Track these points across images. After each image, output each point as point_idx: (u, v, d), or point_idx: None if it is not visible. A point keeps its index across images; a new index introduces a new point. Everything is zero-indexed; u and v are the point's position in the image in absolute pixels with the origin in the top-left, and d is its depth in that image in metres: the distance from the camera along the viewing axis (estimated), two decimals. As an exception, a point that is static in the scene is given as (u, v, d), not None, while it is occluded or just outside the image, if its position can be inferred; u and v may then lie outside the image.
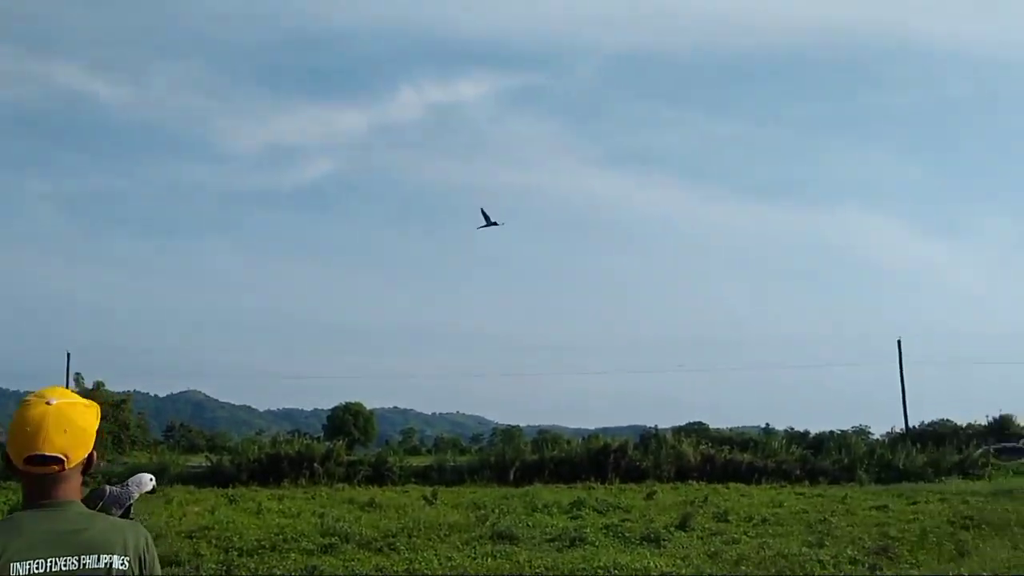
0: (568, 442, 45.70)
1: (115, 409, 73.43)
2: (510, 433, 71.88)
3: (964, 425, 76.78)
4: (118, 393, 76.52)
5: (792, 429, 73.07)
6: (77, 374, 70.29)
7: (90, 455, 2.70)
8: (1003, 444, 60.20)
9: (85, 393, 72.01)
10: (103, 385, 74.21)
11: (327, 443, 40.93)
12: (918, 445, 44.87)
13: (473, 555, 14.42)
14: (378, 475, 36.78)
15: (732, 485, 34.29)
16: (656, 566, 12.81)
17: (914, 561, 14.10)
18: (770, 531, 18.53)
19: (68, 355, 63.36)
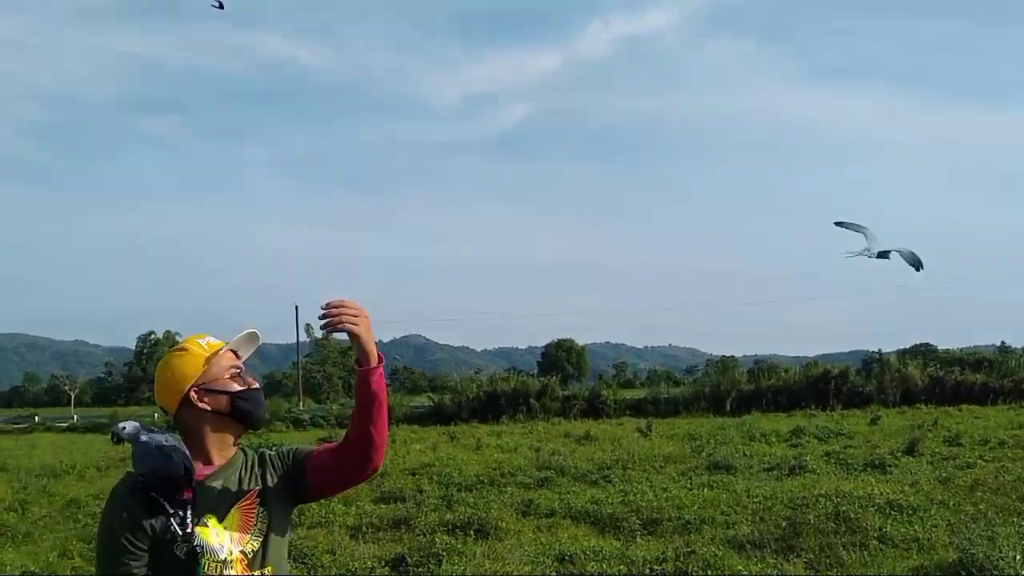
0: (786, 370, 44.44)
1: (343, 356, 78.10)
2: (725, 363, 70.63)
3: None
4: (344, 341, 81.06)
5: (1032, 347, 67.78)
6: (307, 325, 74.70)
7: (186, 396, 2.62)
8: None
9: (314, 343, 76.77)
10: (331, 335, 79.00)
11: (542, 379, 41.79)
12: None
13: (688, 485, 14.27)
14: (592, 409, 37.24)
15: (964, 407, 32.42)
16: (881, 493, 12.22)
17: None
18: (1008, 455, 17.30)
19: (296, 308, 67.33)
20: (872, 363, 49.89)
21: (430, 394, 46.18)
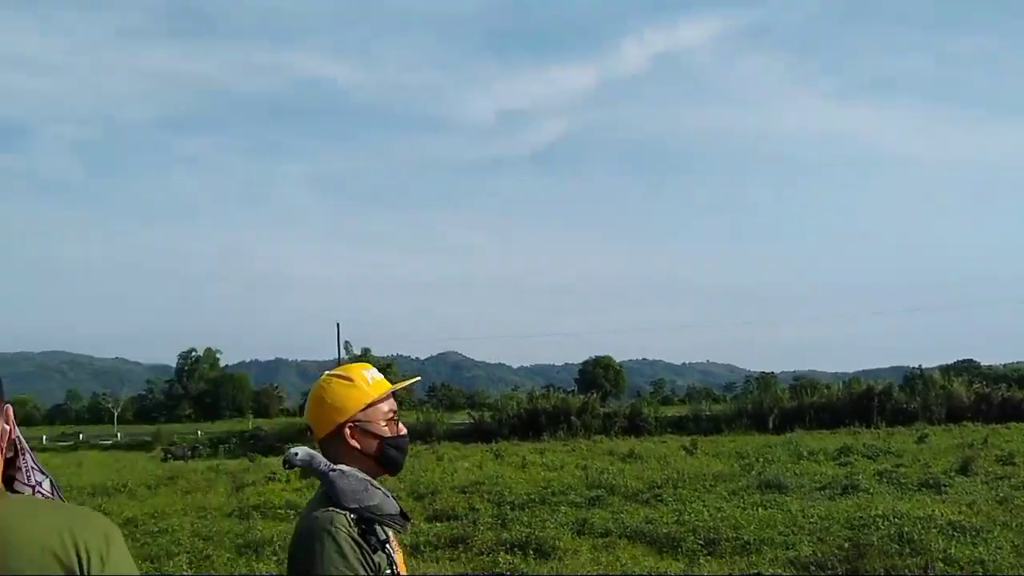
0: (827, 387, 44.10)
1: (382, 373, 78.31)
2: (765, 380, 70.27)
3: None
4: (383, 358, 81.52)
5: (1079, 362, 66.74)
6: (346, 342, 74.92)
7: (339, 428, 2.48)
8: None
9: (353, 359, 77.09)
10: (369, 351, 79.33)
11: (582, 396, 41.58)
12: None
13: (742, 505, 14.21)
14: (633, 426, 37.10)
15: (1013, 425, 31.94)
16: (941, 513, 12.12)
17: None
18: (1065, 474, 17.09)
19: (338, 325, 67.70)
20: (914, 380, 49.34)
21: (470, 411, 46.18)
